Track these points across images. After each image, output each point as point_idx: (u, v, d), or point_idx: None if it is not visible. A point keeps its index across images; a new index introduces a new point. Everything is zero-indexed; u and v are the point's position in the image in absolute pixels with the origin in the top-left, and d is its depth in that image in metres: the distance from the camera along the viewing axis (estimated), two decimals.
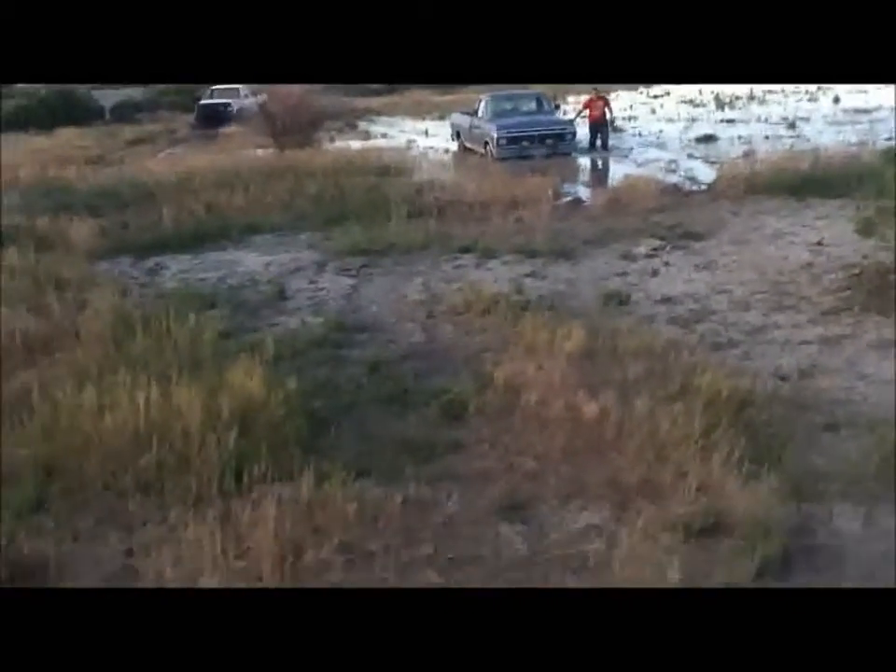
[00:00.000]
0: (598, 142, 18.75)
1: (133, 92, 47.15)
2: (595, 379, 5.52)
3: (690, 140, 19.34)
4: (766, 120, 22.14)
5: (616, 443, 4.83)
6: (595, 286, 8.13)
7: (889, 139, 15.64)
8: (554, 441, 4.96)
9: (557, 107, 20.81)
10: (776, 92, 29.95)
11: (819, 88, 29.66)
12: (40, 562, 3.97)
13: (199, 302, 7.91)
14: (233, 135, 27.92)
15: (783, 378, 5.74)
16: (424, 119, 30.82)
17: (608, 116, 19.33)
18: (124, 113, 38.54)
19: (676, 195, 12.59)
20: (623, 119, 23.99)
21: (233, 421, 4.98)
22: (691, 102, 29.56)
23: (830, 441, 4.90)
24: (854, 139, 16.00)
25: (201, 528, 4.14)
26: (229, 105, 32.54)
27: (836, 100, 25.66)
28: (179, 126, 32.93)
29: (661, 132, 21.41)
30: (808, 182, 12.02)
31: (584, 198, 13.20)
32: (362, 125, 30.04)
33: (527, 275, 8.65)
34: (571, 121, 18.93)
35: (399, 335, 7.16)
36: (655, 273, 8.58)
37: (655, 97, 33.25)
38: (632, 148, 18.92)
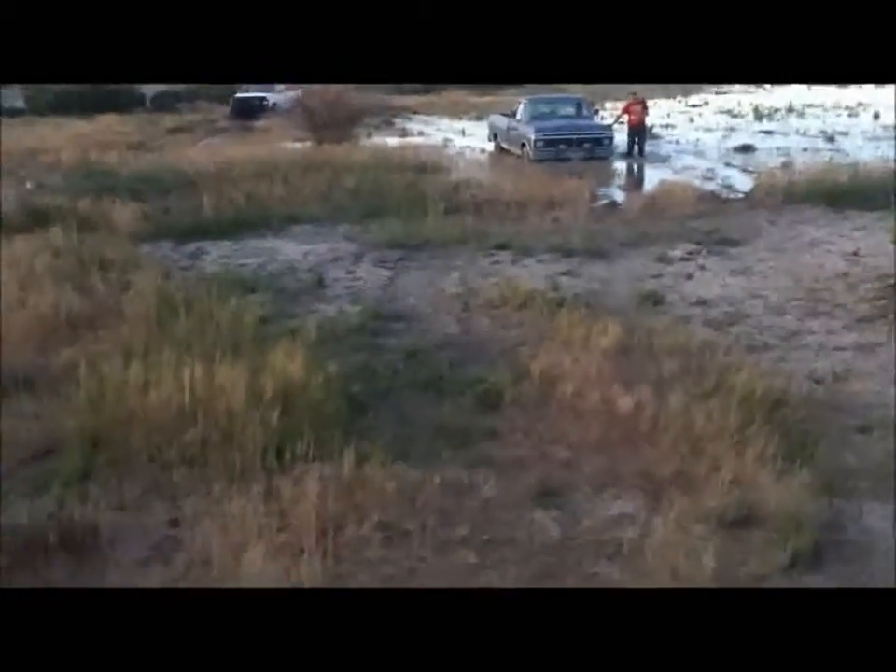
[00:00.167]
0: (636, 147, 18.80)
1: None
2: (630, 374, 5.59)
3: (727, 149, 19.32)
4: (805, 133, 22.07)
5: (650, 436, 4.90)
6: (631, 286, 8.20)
7: None
8: (589, 432, 5.04)
9: (596, 112, 20.82)
10: (815, 106, 29.86)
11: (859, 104, 29.54)
12: (89, 528, 4.10)
13: (239, 287, 8.06)
14: (271, 128, 28.21)
15: (817, 381, 5.79)
16: (461, 118, 30.94)
17: (646, 120, 19.37)
18: (165, 102, 38.98)
19: (713, 202, 12.62)
20: (661, 126, 23.99)
21: (276, 400, 5.10)
22: (729, 112, 29.49)
23: (862, 441, 4.95)
24: (893, 154, 15.93)
25: (244, 502, 4.26)
26: (264, 98, 32.82)
27: (876, 116, 25.50)
28: (218, 117, 33.24)
29: (698, 140, 21.38)
30: (846, 194, 12.03)
31: (621, 201, 13.24)
32: (399, 123, 30.22)
33: (563, 273, 8.73)
34: (609, 126, 18.98)
35: (434, 326, 7.26)
36: (690, 276, 8.63)
37: (694, 106, 33.20)
38: (669, 155, 18.94)
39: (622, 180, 16.08)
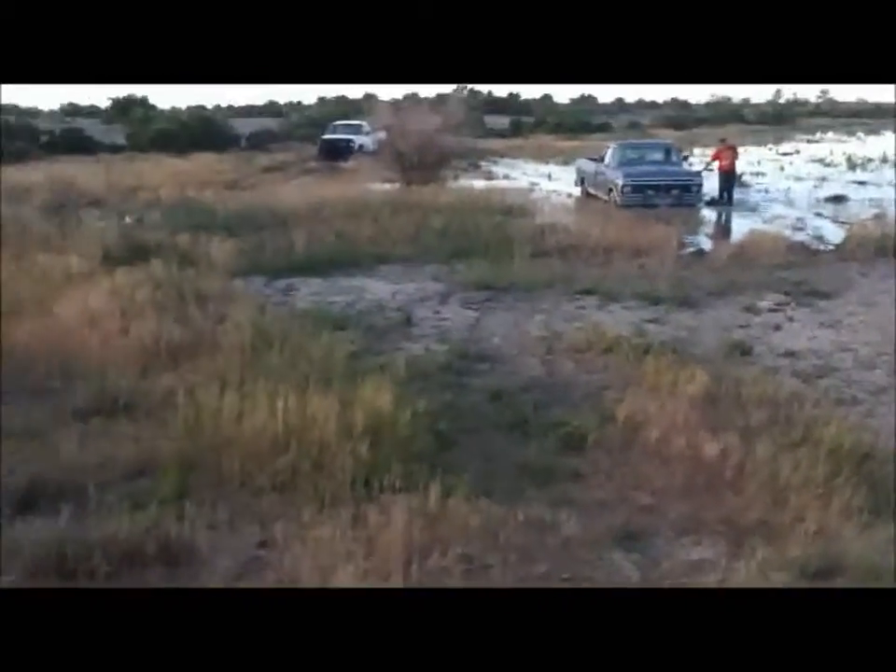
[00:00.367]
0: (725, 195, 18.73)
1: (269, 122, 49.25)
2: (716, 422, 5.58)
3: (819, 199, 19.09)
4: None
5: (735, 484, 4.89)
6: (718, 335, 8.17)
7: None
8: (673, 477, 5.06)
9: (685, 158, 20.82)
10: None
11: None
12: (184, 544, 4.28)
13: (330, 323, 8.29)
14: (360, 168, 28.84)
15: None
16: (547, 162, 31.21)
17: (736, 167, 19.30)
18: (259, 141, 40.28)
19: (803, 253, 12.51)
20: (751, 174, 23.83)
21: (366, 433, 5.25)
22: (821, 161, 29.15)
23: None
24: None
25: (332, 527, 4.39)
26: (351, 140, 33.68)
27: None
28: (309, 157, 34.15)
29: (789, 189, 21.18)
30: None
31: (709, 249, 13.19)
32: (485, 166, 30.60)
33: (649, 321, 8.76)
34: (698, 173, 18.96)
35: (519, 367, 7.35)
36: (779, 327, 8.56)
37: (784, 154, 32.91)
38: (758, 204, 18.81)
39: (710, 228, 16.03)
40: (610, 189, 18.56)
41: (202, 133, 37.52)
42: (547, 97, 77.96)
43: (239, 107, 67.35)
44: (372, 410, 5.59)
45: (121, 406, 6.03)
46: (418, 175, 23.16)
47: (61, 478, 4.96)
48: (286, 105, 72.37)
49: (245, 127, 44.02)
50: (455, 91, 49.32)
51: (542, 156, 34.53)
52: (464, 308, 9.47)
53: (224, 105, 67.16)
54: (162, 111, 46.26)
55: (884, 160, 28.85)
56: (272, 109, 67.32)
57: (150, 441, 5.48)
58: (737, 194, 19.34)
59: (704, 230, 15.74)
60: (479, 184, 23.44)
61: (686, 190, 18.02)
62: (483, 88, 67.97)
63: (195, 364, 6.83)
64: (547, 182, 24.40)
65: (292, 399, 5.59)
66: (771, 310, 9.21)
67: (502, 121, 53.34)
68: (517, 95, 74.31)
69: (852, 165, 27.32)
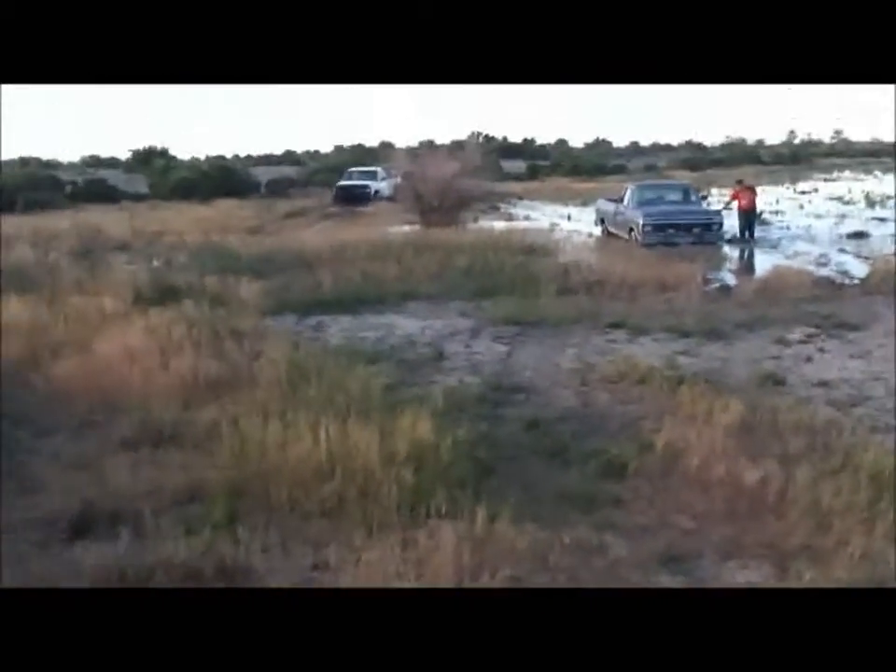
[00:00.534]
0: (746, 233, 18.86)
1: (287, 170, 49.92)
2: (754, 449, 5.63)
3: (840, 236, 19.18)
4: None
5: (777, 510, 4.93)
6: (750, 366, 8.23)
7: None
8: (714, 503, 5.10)
9: (703, 198, 20.99)
10: None
11: None
12: (240, 566, 4.36)
13: (363, 358, 8.40)
14: (379, 212, 29.19)
15: None
16: (566, 204, 31.47)
17: (756, 205, 19.47)
18: (278, 188, 40.82)
19: (828, 287, 12.58)
20: (771, 213, 23.96)
21: (408, 460, 5.33)
22: (839, 199, 29.26)
23: None
24: None
25: (382, 551, 4.46)
26: (367, 186, 34.12)
27: None
28: (328, 202, 34.54)
29: (809, 226, 21.30)
30: None
31: (734, 284, 13.28)
32: (504, 208, 30.88)
33: (680, 353, 8.82)
34: (718, 212, 19.11)
35: (553, 399, 7.43)
36: (810, 358, 8.61)
37: (803, 193, 33.07)
38: (780, 241, 18.92)
39: (733, 264, 16.13)
40: (631, 229, 18.72)
41: (222, 181, 38.11)
42: (562, 141, 78.86)
43: (258, 157, 68.20)
44: (413, 439, 5.68)
45: (167, 437, 6.14)
46: (438, 217, 23.45)
47: (113, 504, 5.06)
48: (303, 153, 73.38)
49: (263, 175, 44.68)
50: (470, 137, 49.97)
51: (560, 198, 34.83)
52: (494, 343, 9.57)
53: (242, 154, 67.98)
54: (183, 161, 47.05)
55: None
56: (290, 158, 68.23)
57: (198, 470, 5.57)
58: (758, 232, 19.48)
59: (727, 266, 15.85)
60: (499, 225, 23.65)
61: (707, 229, 18.18)
62: (499, 133, 68.65)
63: (235, 397, 6.94)
64: (567, 223, 24.61)
65: (333, 429, 5.70)
66: (801, 342, 9.26)
67: (518, 165, 53.87)
68: (532, 140, 75.20)
69: (871, 203, 27.42)
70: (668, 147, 78.09)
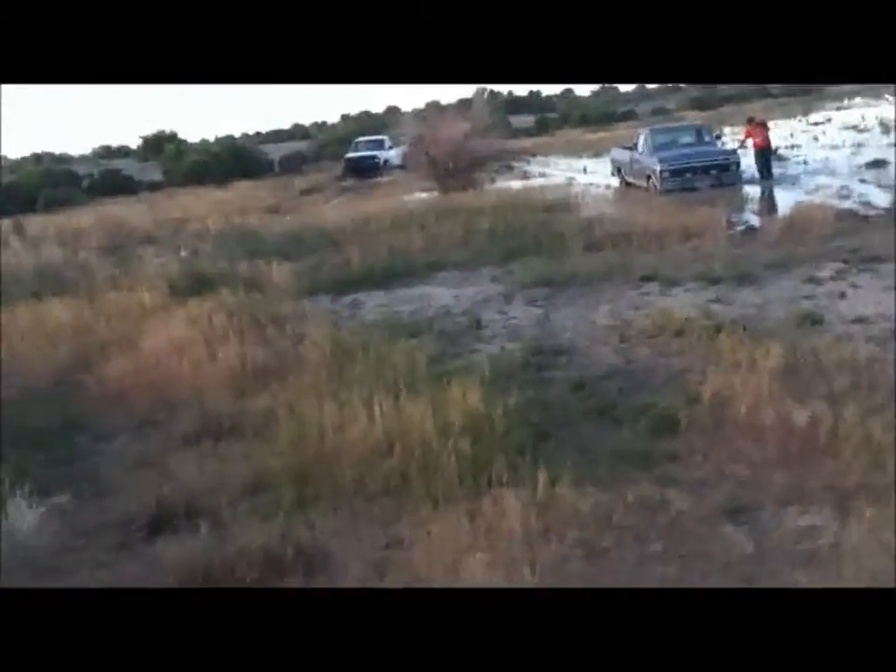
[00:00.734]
0: (764, 171, 18.73)
1: (298, 145, 49.86)
2: (801, 391, 5.72)
3: (859, 166, 19.02)
4: None
5: (830, 450, 5.03)
6: (785, 308, 8.28)
7: None
8: (767, 449, 5.21)
9: (718, 138, 20.83)
10: None
11: None
12: (317, 549, 4.53)
13: (403, 331, 8.54)
14: (395, 182, 29.22)
15: None
16: (580, 157, 31.30)
17: (771, 142, 19.29)
18: (291, 165, 40.84)
19: (853, 220, 12.52)
20: (786, 147, 23.75)
21: (463, 431, 5.47)
22: (854, 128, 28.89)
23: None
24: None
25: (450, 523, 4.61)
26: (375, 157, 33.98)
27: None
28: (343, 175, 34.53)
29: (827, 158, 21.11)
30: None
31: (758, 225, 13.26)
32: (518, 166, 30.75)
33: (713, 301, 8.88)
34: (734, 151, 18.97)
35: (595, 358, 7.54)
36: (843, 295, 8.65)
37: (816, 124, 32.66)
38: (799, 176, 18.77)
39: (755, 205, 16.07)
40: (649, 177, 18.65)
41: (235, 162, 38.18)
42: (568, 91, 77.92)
43: (266, 133, 68.07)
44: (465, 409, 5.81)
45: (226, 428, 6.31)
46: (454, 181, 23.45)
47: (184, 500, 5.24)
48: (311, 125, 73.11)
49: (275, 152, 44.68)
50: (475, 94, 49.53)
51: (573, 150, 34.63)
52: (529, 306, 9.67)
53: (251, 132, 67.88)
54: (193, 144, 47.11)
55: None
56: (298, 132, 68.03)
57: (260, 459, 5.74)
58: (776, 168, 19.34)
59: (750, 207, 15.80)
60: (516, 184, 23.65)
61: (725, 170, 18.07)
62: (503, 88, 68.03)
63: (285, 382, 7.10)
64: (583, 176, 24.52)
65: (386, 406, 5.84)
66: (832, 279, 9.29)
67: (527, 120, 53.48)
68: (538, 93, 74.36)
69: (886, 129, 27.03)
70: (676, 88, 77.08)
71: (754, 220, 13.96)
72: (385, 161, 34.01)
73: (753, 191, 17.55)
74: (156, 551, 4.76)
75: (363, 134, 39.34)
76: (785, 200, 15.66)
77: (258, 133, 67.35)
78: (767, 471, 5.01)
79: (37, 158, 54.53)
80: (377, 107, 78.89)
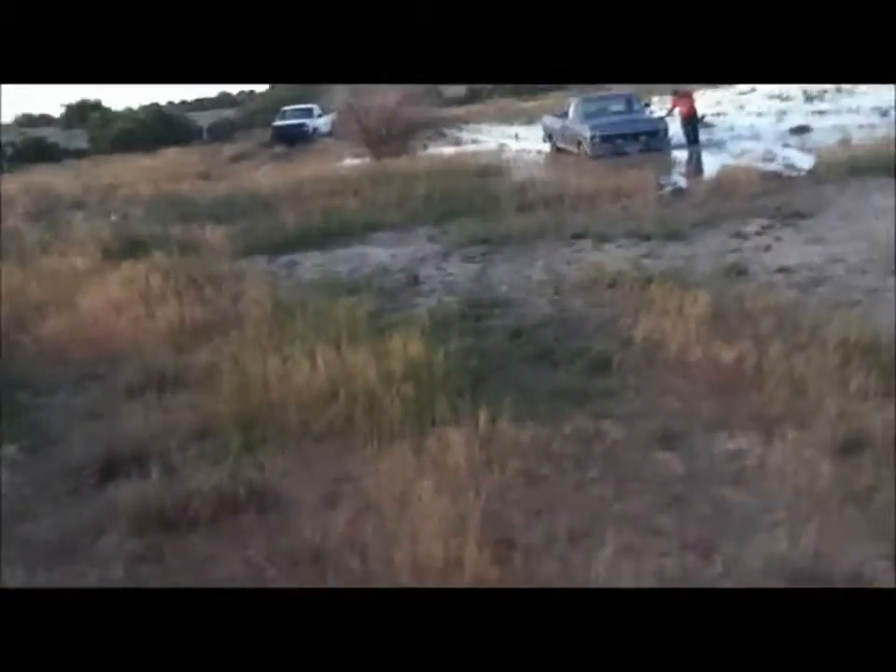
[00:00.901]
0: (691, 136, 19.13)
1: (226, 113, 49.10)
2: (727, 333, 5.99)
3: (783, 132, 19.54)
4: (858, 110, 22.15)
5: (755, 383, 5.31)
6: (712, 261, 8.59)
7: None
8: (696, 384, 5.47)
9: (647, 106, 21.19)
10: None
11: None
12: (268, 487, 4.66)
13: (342, 289, 8.63)
14: (327, 149, 29.05)
15: None
16: (511, 124, 31.47)
17: (697, 110, 19.71)
18: (221, 132, 40.25)
19: (777, 181, 12.96)
20: (713, 115, 24.23)
21: (405, 377, 5.62)
22: (778, 96, 29.57)
23: None
24: None
25: (396, 458, 4.77)
26: (304, 125, 33.66)
27: None
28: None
29: (752, 125, 21.63)
30: None
31: (686, 186, 13.62)
32: (451, 133, 30.82)
33: (644, 256, 9.15)
34: (662, 119, 19.34)
35: (530, 309, 7.74)
36: (768, 248, 9.00)
37: (742, 94, 33.27)
38: (725, 141, 19.23)
39: (683, 168, 16.44)
40: (580, 142, 18.93)
41: (163, 129, 37.53)
42: None
43: (192, 101, 66.80)
44: (407, 357, 5.96)
45: (169, 380, 6.36)
46: (388, 148, 23.47)
47: (134, 446, 5.30)
48: (238, 94, 71.90)
49: (203, 120, 43.96)
50: None
51: (505, 118, 34.77)
52: (465, 263, 9.84)
53: (177, 101, 66.50)
54: (118, 112, 46.04)
55: (838, 89, 29.29)
56: (225, 100, 66.88)
57: (206, 407, 5.81)
58: (704, 134, 19.76)
59: (678, 170, 16.16)
60: (449, 151, 23.74)
61: (653, 136, 18.43)
62: None
63: (226, 337, 7.15)
64: (515, 142, 24.70)
65: (329, 357, 5.96)
66: (758, 233, 9.64)
67: (458, 89, 53.34)
68: None
69: (809, 97, 27.75)
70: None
71: (682, 182, 14.33)
72: (315, 130, 33.71)
73: (682, 156, 17.93)
74: (108, 495, 4.82)
75: (293, 103, 38.87)
76: (712, 163, 16.05)
77: (183, 102, 65.98)
78: (697, 403, 5.27)
79: None
80: None
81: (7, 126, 54.94)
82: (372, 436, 5.12)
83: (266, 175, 21.95)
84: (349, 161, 23.26)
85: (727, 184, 12.80)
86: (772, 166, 14.62)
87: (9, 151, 37.11)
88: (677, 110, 19.75)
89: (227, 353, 6.61)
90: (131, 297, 8.49)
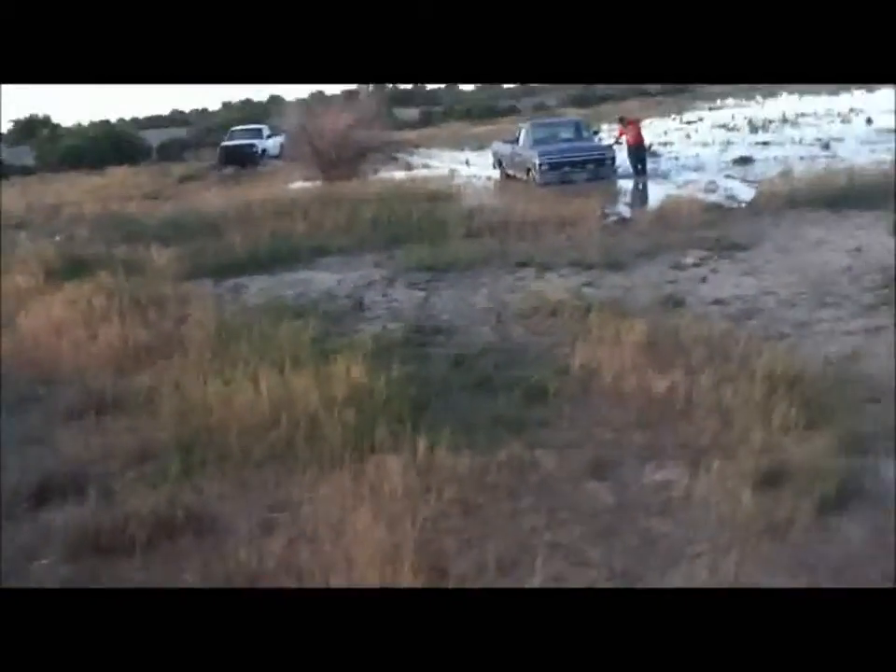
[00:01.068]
0: (638, 166, 19.51)
1: (177, 132, 48.81)
2: (660, 363, 6.17)
3: (726, 162, 20.01)
4: (801, 142, 22.79)
5: (685, 414, 5.48)
6: (650, 291, 8.81)
7: None
8: (629, 413, 5.63)
9: (595, 133, 21.56)
10: (808, 115, 30.66)
11: (851, 110, 30.33)
12: (205, 512, 4.69)
13: (287, 313, 8.68)
14: (277, 171, 29.03)
15: (830, 361, 6.36)
16: (462, 149, 31.75)
17: (644, 139, 20.12)
18: (170, 151, 39.99)
19: (718, 212, 13.28)
20: (660, 144, 24.72)
21: (346, 402, 5.70)
22: (724, 126, 30.25)
23: (873, 410, 5.51)
24: (888, 157, 16.54)
25: (334, 485, 4.84)
26: (253, 146, 33.44)
27: (869, 121, 26.25)
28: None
29: (697, 155, 22.10)
30: (845, 196, 12.68)
31: (630, 216, 13.90)
32: (402, 157, 30.97)
33: (585, 285, 9.35)
34: (610, 147, 19.67)
35: (473, 336, 7.87)
36: (704, 279, 9.25)
37: (689, 123, 34.01)
38: (670, 171, 19.63)
39: (628, 197, 16.77)
40: (528, 169, 19.20)
41: (112, 147, 37.19)
42: (452, 85, 78.47)
43: (144, 119, 66.37)
44: (349, 382, 6.05)
45: (109, 403, 6.36)
46: (338, 171, 23.53)
47: (71, 470, 5.31)
48: (191, 112, 71.66)
49: (153, 138, 43.65)
50: (360, 86, 49.53)
51: (456, 143, 35.06)
52: (410, 289, 9.95)
53: (128, 118, 66.04)
54: (68, 129, 45.62)
55: (783, 119, 30.15)
56: (178, 119, 66.58)
57: (146, 431, 5.84)
58: (650, 164, 20.16)
59: (623, 199, 16.49)
60: (399, 175, 23.87)
61: (601, 164, 18.76)
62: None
63: (169, 361, 7.17)
64: (466, 168, 24.95)
65: (272, 381, 6.03)
66: (695, 265, 9.90)
67: (411, 112, 53.77)
68: (423, 86, 74.68)
69: (754, 128, 28.45)
70: (557, 86, 78.63)
71: (626, 212, 14.62)
72: (264, 151, 33.60)
73: (627, 185, 18.29)
74: (42, 519, 4.82)
75: (245, 123, 38.72)
76: (656, 193, 16.40)
77: (135, 119, 65.57)
78: (628, 433, 5.42)
79: None
80: (260, 96, 77.66)
81: None
82: (312, 461, 5.20)
83: (215, 197, 21.88)
84: (299, 184, 23.29)
85: (670, 214, 13.10)
86: (713, 197, 14.98)
87: None
88: (624, 138, 20.14)
89: (168, 377, 6.64)
90: (74, 318, 8.46)
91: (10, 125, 50.45)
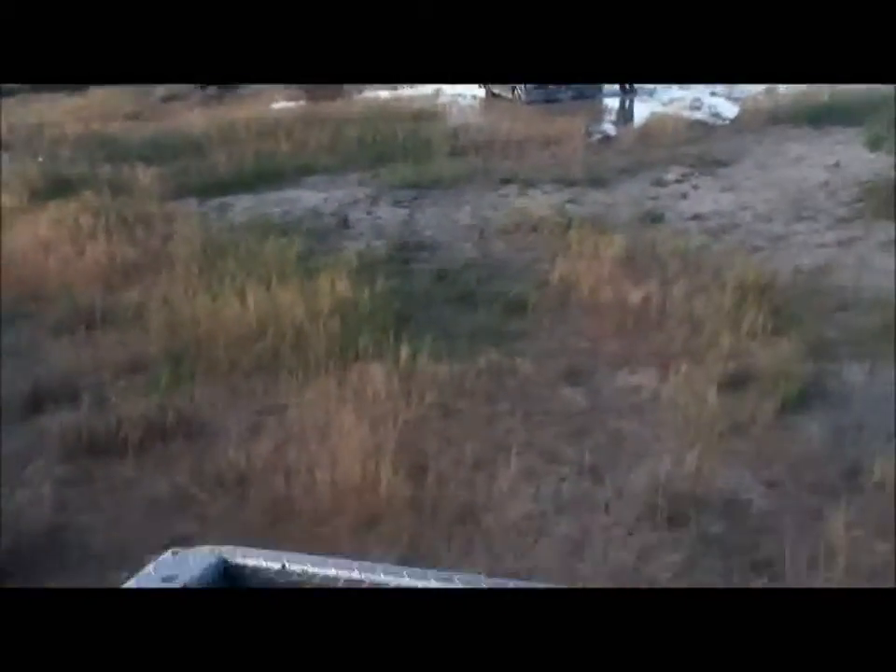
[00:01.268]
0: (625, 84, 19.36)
1: None
2: (637, 275, 6.36)
3: None
4: None
5: (658, 323, 5.68)
6: (631, 208, 8.92)
7: None
8: (604, 324, 5.82)
9: None
10: None
11: None
12: (195, 416, 4.89)
13: (272, 231, 8.76)
14: (261, 90, 28.61)
15: (802, 272, 6.55)
16: None
17: None
18: None
19: (701, 129, 13.30)
20: None
21: (331, 314, 5.87)
22: None
23: (841, 317, 5.73)
24: None
25: (320, 390, 5.04)
26: None
27: None
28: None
29: None
30: (827, 113, 12.72)
31: (614, 134, 13.90)
32: None
33: (568, 202, 9.44)
34: None
35: (456, 252, 8.00)
36: (685, 195, 9.36)
37: None
38: (655, 89, 19.51)
39: (613, 116, 16.72)
40: (514, 88, 19.04)
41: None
42: None
43: None
44: (333, 296, 6.21)
45: (99, 318, 6.49)
46: (322, 90, 23.25)
47: (63, 381, 5.47)
48: None
49: None
50: None
51: None
52: (394, 207, 10.02)
53: None
54: None
55: None
56: None
57: (136, 344, 6.00)
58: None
59: (608, 118, 16.43)
60: (384, 94, 23.60)
61: None
62: None
63: (156, 277, 7.29)
64: (451, 87, 24.67)
65: (258, 295, 6.17)
66: (677, 181, 9.99)
67: None
68: None
69: None
70: None
71: (611, 130, 14.60)
72: None
73: (613, 104, 18.18)
74: (37, 425, 5.01)
75: None
76: (641, 111, 16.34)
77: None
78: (603, 342, 5.62)
79: None
80: None
81: None
82: (298, 369, 5.38)
83: (198, 117, 21.63)
84: (283, 104, 23.02)
85: (654, 132, 13.10)
86: (698, 115, 14.96)
87: None
88: None
89: (156, 292, 6.77)
90: (60, 236, 8.52)
91: None
